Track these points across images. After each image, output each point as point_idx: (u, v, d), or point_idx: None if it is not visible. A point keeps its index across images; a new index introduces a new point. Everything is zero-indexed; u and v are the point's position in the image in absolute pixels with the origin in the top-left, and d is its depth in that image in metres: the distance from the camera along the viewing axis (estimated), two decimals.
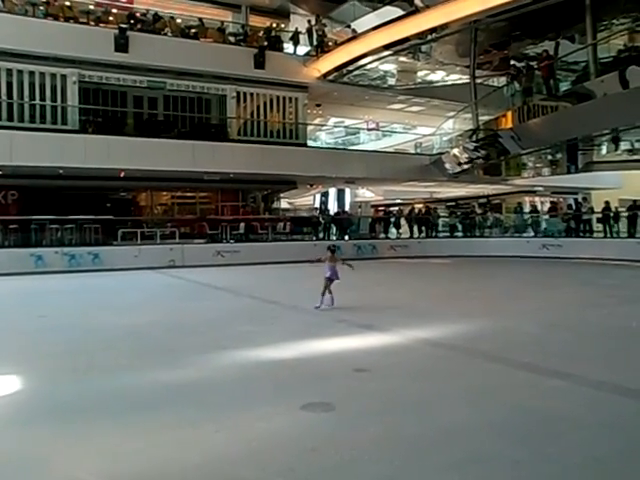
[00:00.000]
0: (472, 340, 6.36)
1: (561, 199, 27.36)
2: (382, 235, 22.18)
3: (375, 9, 19.33)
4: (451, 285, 12.73)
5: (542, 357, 5.48)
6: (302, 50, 21.76)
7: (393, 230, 22.53)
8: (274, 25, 22.57)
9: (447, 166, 21.47)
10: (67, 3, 18.44)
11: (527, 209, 25.34)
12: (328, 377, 4.84)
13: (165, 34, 19.44)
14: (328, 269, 8.57)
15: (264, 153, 19.47)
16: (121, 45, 17.83)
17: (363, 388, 4.54)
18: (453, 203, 30.23)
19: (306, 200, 30.71)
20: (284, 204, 27.50)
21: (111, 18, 19.08)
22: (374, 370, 5.05)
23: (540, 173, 24.51)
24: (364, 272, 16.10)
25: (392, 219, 22.89)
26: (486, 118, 19.73)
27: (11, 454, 3.33)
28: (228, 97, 20.33)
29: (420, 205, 27.18)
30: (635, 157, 21.57)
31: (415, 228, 22.44)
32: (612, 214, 19.36)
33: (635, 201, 19.43)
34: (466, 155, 20.11)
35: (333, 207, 27.54)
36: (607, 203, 19.84)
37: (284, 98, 21.30)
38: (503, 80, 20.71)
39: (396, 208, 29.76)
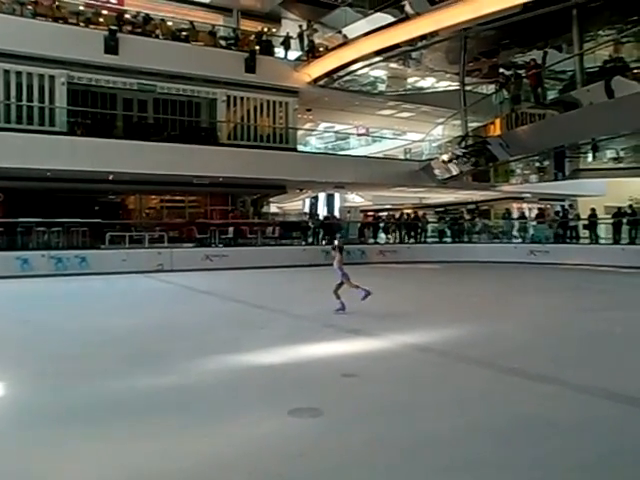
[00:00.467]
0: (460, 345, 6.39)
1: (548, 206, 27.62)
2: (371, 240, 22.23)
3: (366, 15, 19.44)
4: (440, 290, 12.78)
5: (530, 362, 5.52)
6: (293, 55, 21.81)
7: (382, 235, 22.59)
8: (265, 29, 22.62)
9: (436, 172, 21.60)
10: (56, 3, 18.29)
11: (515, 215, 25.56)
12: (316, 382, 4.83)
13: (156, 37, 19.39)
14: (339, 272, 8.49)
15: (254, 157, 19.45)
16: (111, 47, 17.74)
17: (351, 393, 4.54)
18: (442, 209, 30.42)
19: (295, 205, 30.69)
20: (273, 208, 27.45)
21: (101, 19, 18.93)
22: (362, 375, 5.05)
23: (528, 180, 24.76)
24: (353, 277, 16.14)
25: (381, 224, 22.95)
26: (475, 125, 19.91)
27: None
28: (218, 101, 20.31)
29: (409, 210, 27.31)
30: (620, 165, 21.87)
31: (404, 233, 22.53)
32: (598, 221, 19.63)
33: (620, 208, 19.69)
34: (455, 161, 20.26)
35: (322, 212, 27.56)
36: (593, 210, 20.10)
37: (274, 102, 21.32)
38: (492, 88, 20.92)
39: (385, 213, 29.89)
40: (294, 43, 21.80)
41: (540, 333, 7.10)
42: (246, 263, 17.45)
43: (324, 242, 20.85)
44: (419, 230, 22.76)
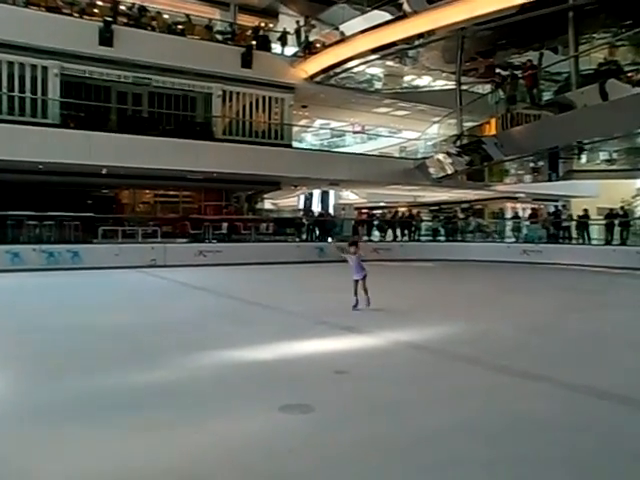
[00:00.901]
0: (452, 343, 6.42)
1: (542, 206, 27.75)
2: (365, 238, 22.25)
3: (364, 12, 19.39)
4: (432, 289, 12.82)
5: (520, 360, 5.56)
6: (290, 51, 21.75)
7: (376, 233, 22.62)
8: (262, 25, 22.51)
9: (431, 170, 21.64)
10: None
11: (509, 215, 25.67)
12: (307, 379, 4.84)
13: (151, 29, 19.26)
14: (355, 269, 8.46)
15: (249, 153, 19.38)
16: (106, 39, 17.57)
17: (342, 390, 4.55)
18: (436, 207, 30.47)
19: (290, 201, 30.68)
20: (268, 205, 27.44)
21: (96, 10, 18.73)
22: (354, 372, 5.06)
23: (522, 180, 24.84)
24: (346, 274, 16.15)
25: (375, 222, 22.98)
26: (470, 124, 19.94)
27: None
28: (214, 96, 20.21)
29: (403, 209, 27.35)
30: (613, 167, 21.99)
31: (398, 231, 22.57)
32: (590, 221, 19.77)
33: (612, 209, 19.83)
34: (450, 160, 20.30)
35: (317, 209, 27.55)
36: (585, 211, 20.24)
37: (270, 98, 21.25)
38: (488, 87, 20.96)
39: (379, 211, 29.90)
40: (291, 39, 21.74)
41: (530, 332, 7.14)
42: (240, 259, 17.40)
43: (318, 239, 20.87)
44: (413, 228, 22.80)
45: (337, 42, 20.03)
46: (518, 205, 27.97)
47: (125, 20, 18.85)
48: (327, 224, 21.87)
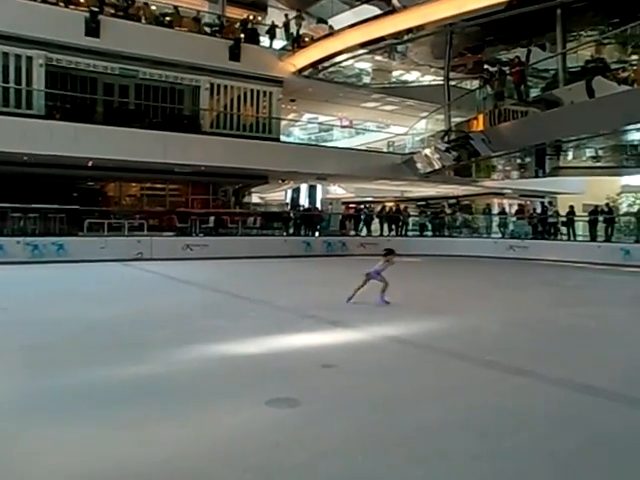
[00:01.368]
0: (439, 338, 6.46)
1: (528, 202, 28.00)
2: (352, 232, 22.28)
3: (353, 7, 19.40)
4: (419, 284, 12.86)
5: (506, 355, 5.60)
6: (278, 44, 21.63)
7: (364, 228, 22.66)
8: (251, 17, 22.35)
9: (418, 166, 21.70)
10: None
11: (495, 211, 25.85)
12: (294, 373, 4.84)
13: (139, 20, 19.03)
14: (376, 268, 8.52)
15: (236, 147, 19.30)
16: (92, 29, 17.34)
17: (329, 384, 4.56)
18: (423, 202, 30.60)
19: (277, 195, 30.61)
20: (255, 199, 27.34)
21: (82, 0, 18.49)
22: (341, 366, 5.07)
23: (509, 176, 25.00)
24: (333, 268, 16.17)
25: (362, 217, 23.03)
26: (458, 120, 20.00)
27: None
28: (202, 88, 20.06)
29: (391, 203, 27.42)
30: (599, 164, 22.23)
31: (385, 226, 22.62)
32: (575, 218, 19.98)
33: (597, 206, 20.05)
34: (437, 156, 20.37)
35: (304, 203, 27.53)
36: (571, 207, 20.45)
37: (258, 92, 21.14)
38: (476, 83, 21.04)
39: (367, 206, 29.94)
40: (279, 32, 21.61)
41: (516, 327, 7.21)
42: (227, 253, 17.33)
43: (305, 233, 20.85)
44: (400, 223, 22.87)
45: (326, 36, 19.98)
46: (505, 201, 28.21)
47: (112, 11, 18.58)
48: (314, 218, 21.86)
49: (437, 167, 20.84)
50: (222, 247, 17.85)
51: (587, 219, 19.74)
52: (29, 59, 17.21)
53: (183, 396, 4.21)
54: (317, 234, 21.30)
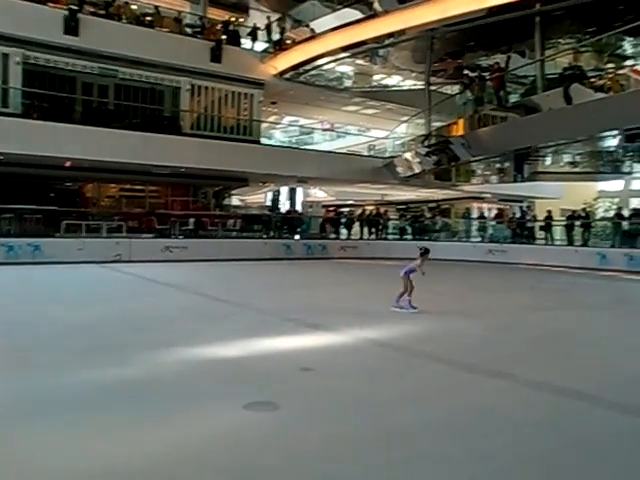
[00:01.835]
0: (418, 341, 6.48)
1: (507, 206, 28.34)
2: (332, 235, 22.30)
3: (335, 10, 19.39)
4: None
5: (485, 358, 5.64)
6: (260, 46, 21.58)
7: (344, 231, 22.71)
8: (232, 19, 22.27)
9: (399, 169, 21.83)
10: None
11: (475, 215, 26.11)
12: (273, 376, 4.80)
13: (119, 20, 18.80)
14: (410, 267, 8.62)
15: (217, 148, 19.18)
16: (71, 28, 17.08)
17: (308, 387, 4.53)
18: (403, 206, 30.77)
19: (258, 198, 30.51)
20: (235, 201, 27.19)
21: None
22: (320, 369, 5.05)
23: (488, 180, 25.33)
24: (314, 271, 16.16)
25: (343, 220, 23.08)
26: (438, 124, 20.20)
27: None
28: (182, 89, 19.90)
29: (371, 207, 27.51)
30: (576, 170, 22.63)
31: (365, 229, 22.69)
32: (553, 223, 20.29)
33: (574, 211, 20.40)
34: (418, 160, 20.51)
35: (284, 206, 27.47)
36: (549, 212, 20.76)
37: (239, 94, 21.05)
38: (456, 88, 21.26)
39: (347, 209, 30.02)
40: (261, 34, 21.56)
41: (494, 330, 7.27)
42: (206, 255, 17.22)
43: (285, 236, 20.80)
44: (380, 227, 22.96)
45: (307, 39, 19.98)
46: (484, 205, 28.49)
47: (92, 9, 18.34)
48: (295, 221, 21.83)
49: (417, 171, 20.99)
50: (202, 249, 17.73)
51: (564, 224, 20.06)
52: (5, 56, 16.86)
53: (160, 399, 4.14)
54: (297, 237, 21.26)
